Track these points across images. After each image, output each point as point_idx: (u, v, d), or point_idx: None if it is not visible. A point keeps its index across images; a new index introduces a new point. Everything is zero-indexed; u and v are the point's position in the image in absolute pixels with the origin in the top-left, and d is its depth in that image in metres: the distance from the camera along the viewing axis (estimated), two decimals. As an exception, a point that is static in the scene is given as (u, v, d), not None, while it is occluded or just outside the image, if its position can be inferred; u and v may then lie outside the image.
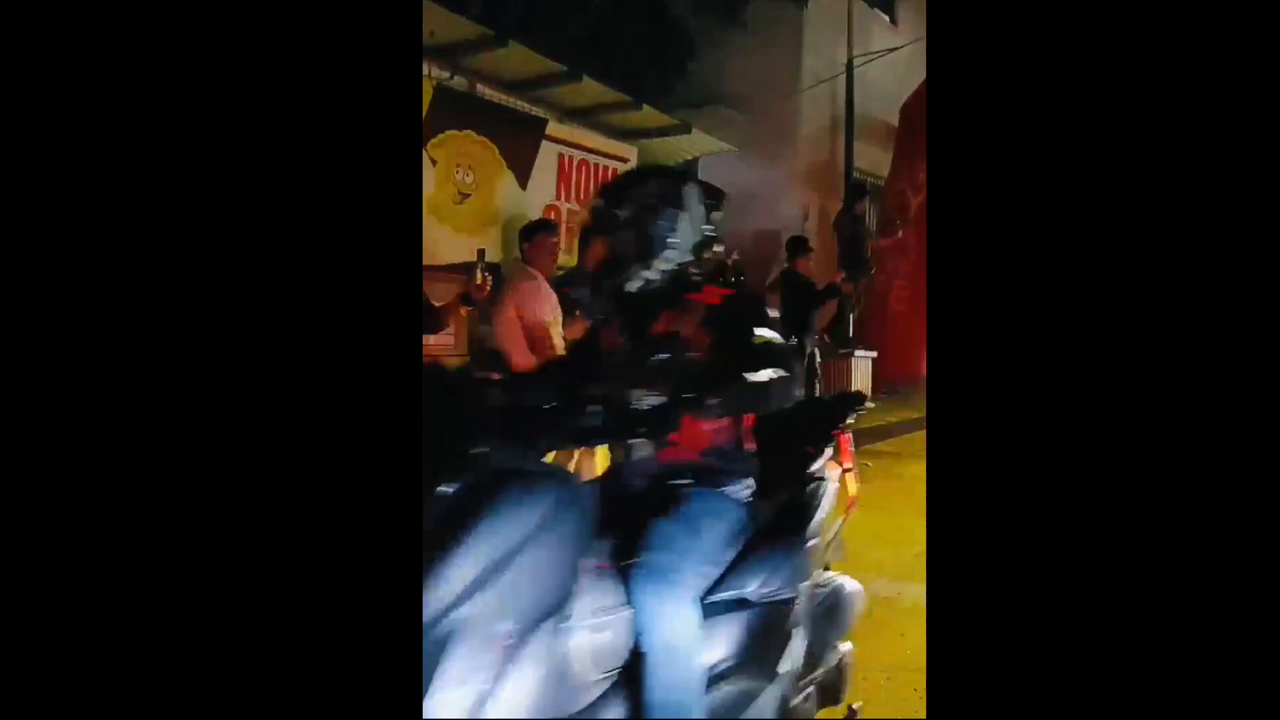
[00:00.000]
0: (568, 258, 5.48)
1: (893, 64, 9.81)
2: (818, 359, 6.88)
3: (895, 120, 9.70)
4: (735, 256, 6.90)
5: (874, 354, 8.03)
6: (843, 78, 9.43)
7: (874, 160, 10.14)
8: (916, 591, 3.59)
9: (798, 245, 7.06)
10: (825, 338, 7.43)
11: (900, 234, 8.90)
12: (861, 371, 7.83)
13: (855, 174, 9.58)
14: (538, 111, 6.21)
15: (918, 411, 7.46)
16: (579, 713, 1.51)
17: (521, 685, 1.37)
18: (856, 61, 9.35)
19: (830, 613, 2.12)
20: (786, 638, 1.85)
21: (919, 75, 9.41)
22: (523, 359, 3.99)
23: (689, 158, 7.72)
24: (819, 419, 2.17)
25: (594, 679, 1.54)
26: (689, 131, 7.06)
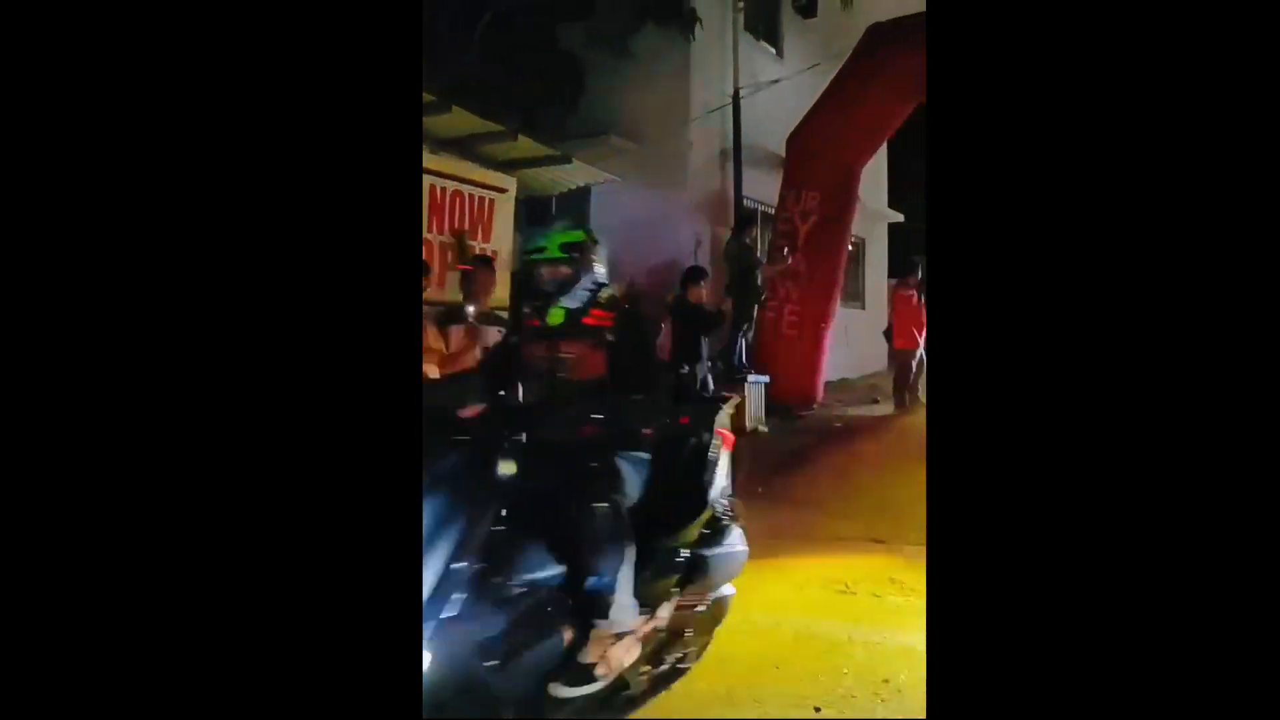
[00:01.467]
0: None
1: (779, 95, 10.06)
2: (710, 385, 6.93)
3: (783, 150, 9.94)
4: (624, 286, 6.90)
5: (766, 379, 8.14)
6: (731, 108, 9.60)
7: (763, 189, 10.36)
8: (800, 623, 3.61)
9: (690, 274, 7.12)
10: (717, 364, 7.50)
11: (789, 260, 9.07)
12: (754, 397, 7.92)
13: (745, 202, 9.76)
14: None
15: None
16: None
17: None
18: (743, 92, 9.55)
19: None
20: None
21: (805, 105, 9.68)
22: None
23: (570, 188, 7.71)
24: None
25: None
26: (569, 162, 7.05)
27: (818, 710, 2.81)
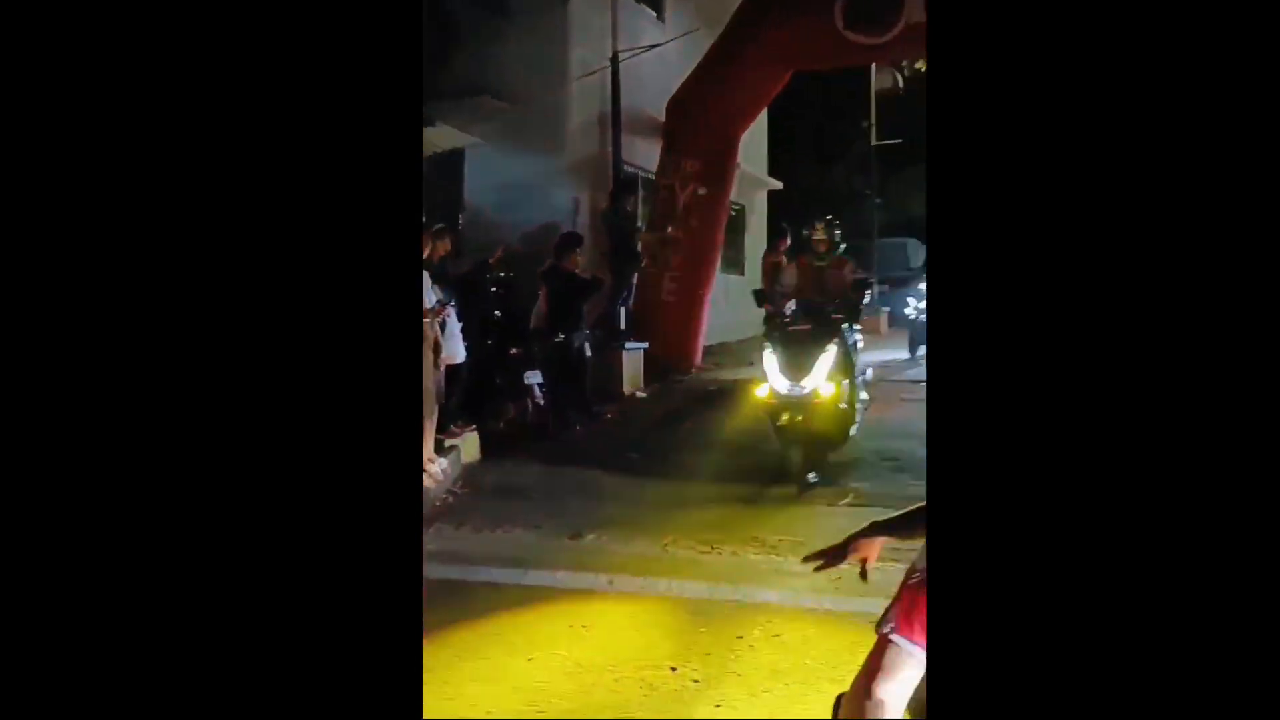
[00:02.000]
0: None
1: (661, 59, 10.02)
2: (587, 352, 6.91)
3: (663, 115, 9.93)
4: (500, 252, 6.78)
5: (644, 346, 8.18)
6: (610, 71, 9.50)
7: (643, 155, 10.33)
8: (664, 584, 3.66)
9: (565, 240, 7.04)
10: (595, 331, 7.48)
11: (669, 228, 9.11)
12: (632, 363, 7.95)
13: (624, 168, 9.71)
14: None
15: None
16: None
17: None
18: (623, 55, 9.45)
19: None
20: None
21: (686, 70, 9.67)
22: None
23: (435, 151, 7.49)
24: None
25: None
26: (433, 124, 6.85)
27: (673, 670, 2.86)
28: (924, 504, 1.77)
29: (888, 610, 1.41)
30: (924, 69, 19.97)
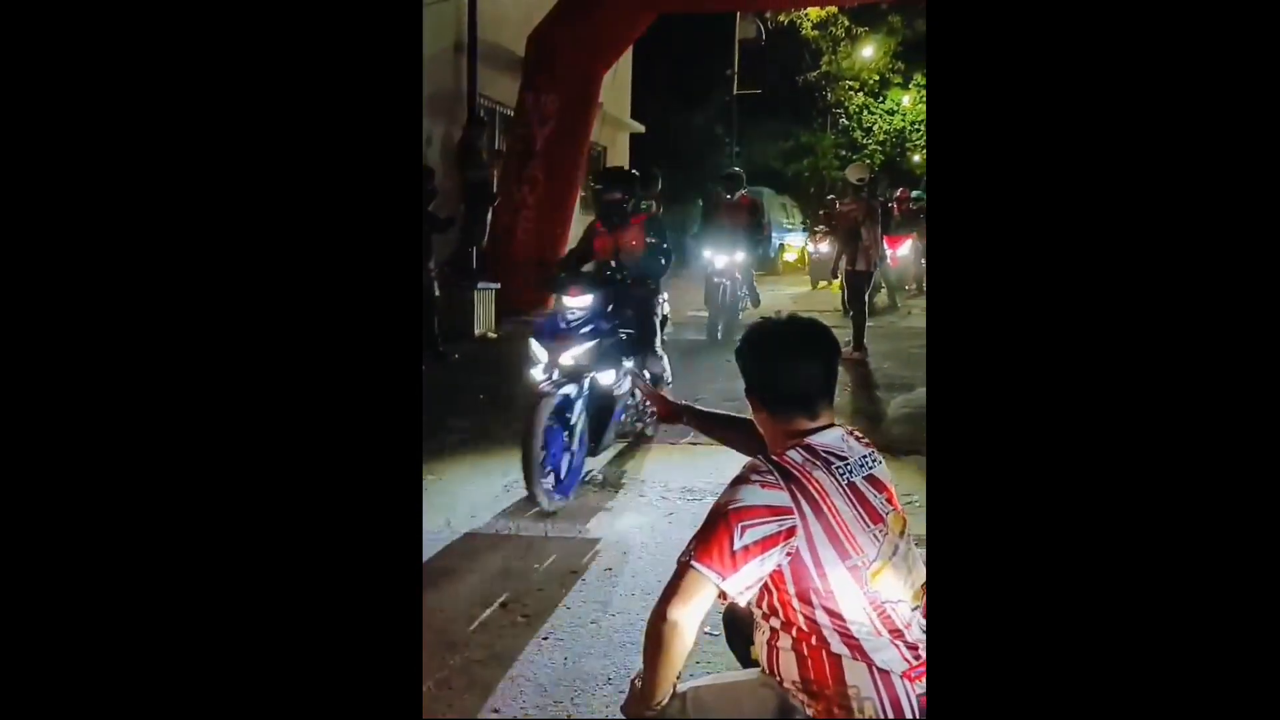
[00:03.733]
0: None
1: (522, -9, 9.72)
2: (435, 292, 6.75)
3: (523, 50, 9.67)
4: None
5: (496, 285, 8.07)
6: (466, 1, 9.14)
7: (501, 90, 10.06)
8: (501, 523, 3.68)
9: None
10: (444, 270, 7.31)
11: (519, 165, 8.95)
12: (484, 303, 7.84)
13: (481, 102, 9.42)
14: None
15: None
16: None
17: None
18: (481, -16, 9.11)
19: None
20: None
21: (548, 4, 9.42)
22: None
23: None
24: None
25: None
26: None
27: (504, 605, 2.90)
28: (740, 416, 1.85)
29: (691, 540, 1.49)
30: (786, 22, 20.34)
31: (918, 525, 3.71)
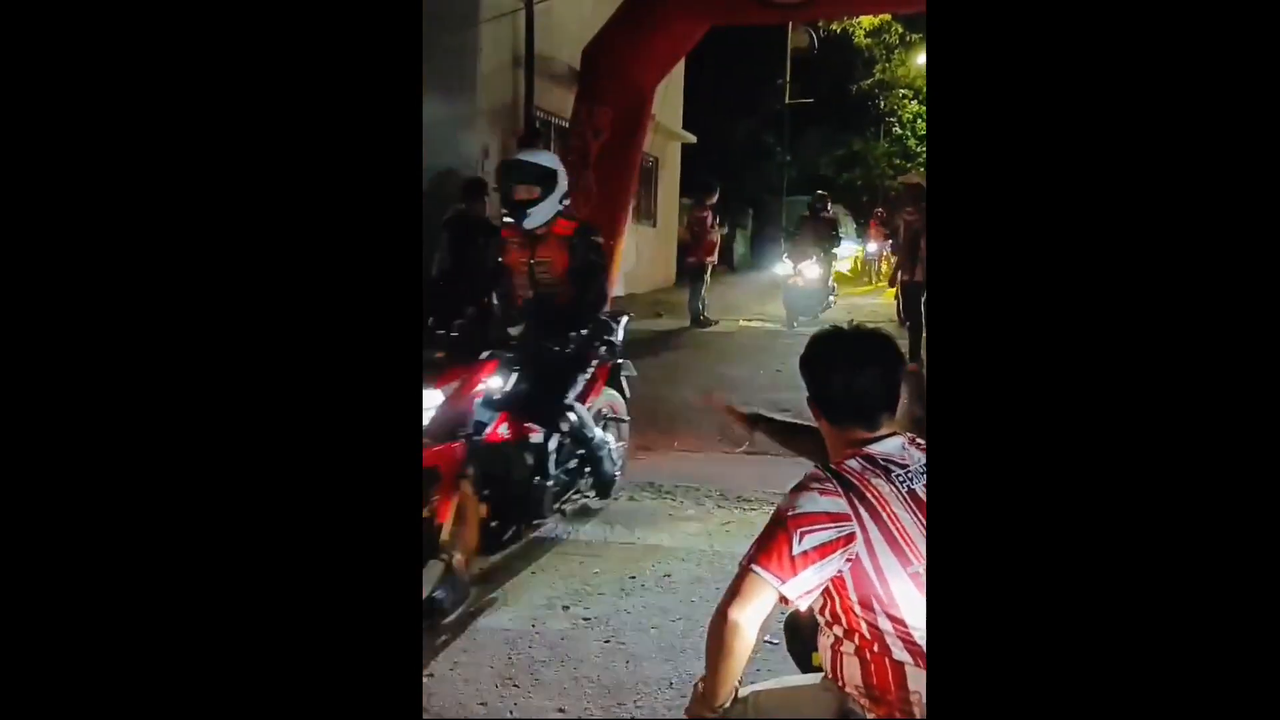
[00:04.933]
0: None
1: (577, 4, 9.85)
2: (494, 300, 6.87)
3: (578, 62, 9.80)
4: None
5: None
6: (524, 14, 9.31)
7: (557, 102, 10.20)
8: (560, 529, 3.76)
9: (472, 187, 6.94)
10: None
11: (582, 177, 9.05)
12: (540, 313, 7.93)
13: (537, 115, 9.59)
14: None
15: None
16: None
17: None
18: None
19: None
20: None
21: (603, 17, 9.54)
22: None
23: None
24: None
25: None
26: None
27: (565, 608, 2.98)
28: (809, 424, 1.88)
29: (752, 545, 1.53)
30: (839, 30, 20.22)
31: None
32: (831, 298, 10.49)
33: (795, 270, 9.80)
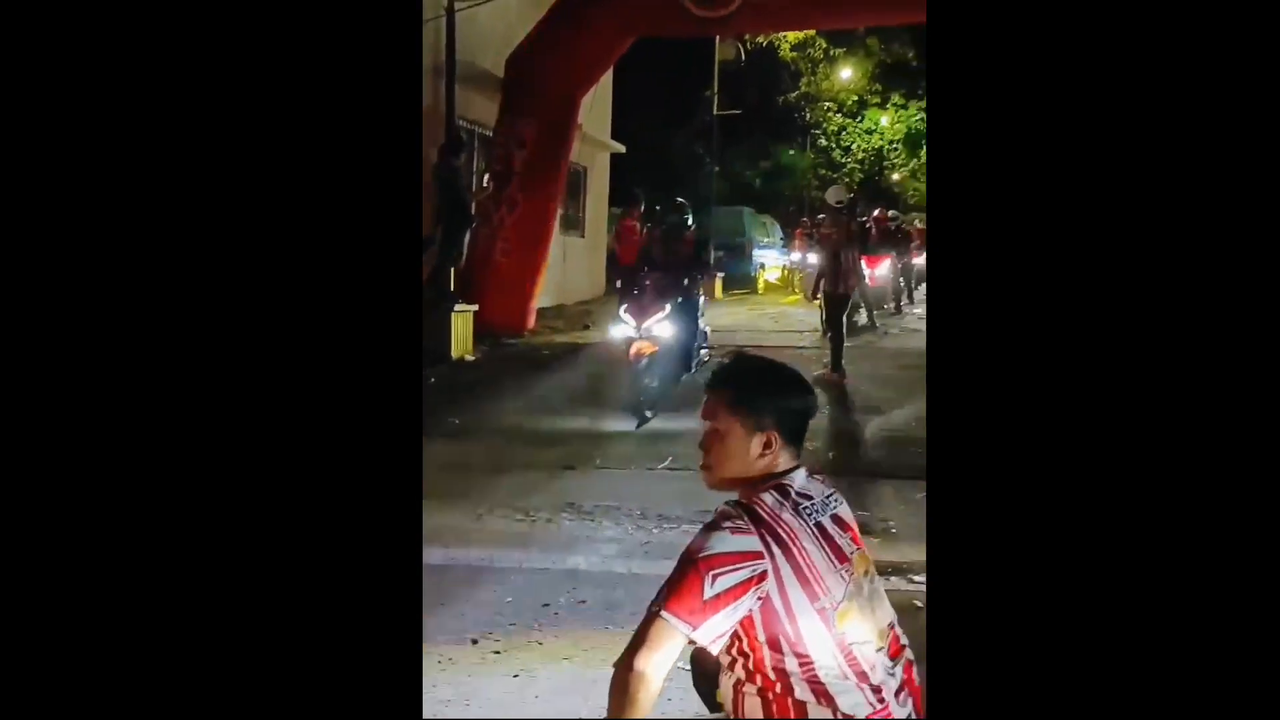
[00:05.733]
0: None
1: (502, 13, 9.73)
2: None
3: (502, 71, 9.68)
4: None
5: (474, 308, 8.03)
6: (445, 21, 9.14)
7: (480, 111, 10.06)
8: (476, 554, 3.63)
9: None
10: (424, 290, 7.26)
11: (498, 186, 8.93)
12: (461, 325, 7.79)
13: (459, 124, 9.42)
14: None
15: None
16: None
17: None
18: (460, 6, 9.11)
19: None
20: None
21: (527, 26, 9.44)
22: None
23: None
24: None
25: None
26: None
27: (474, 642, 2.86)
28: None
29: (661, 588, 1.46)
30: (765, 44, 20.53)
31: (894, 553, 3.70)
32: (704, 350, 6.85)
33: (638, 332, 5.94)
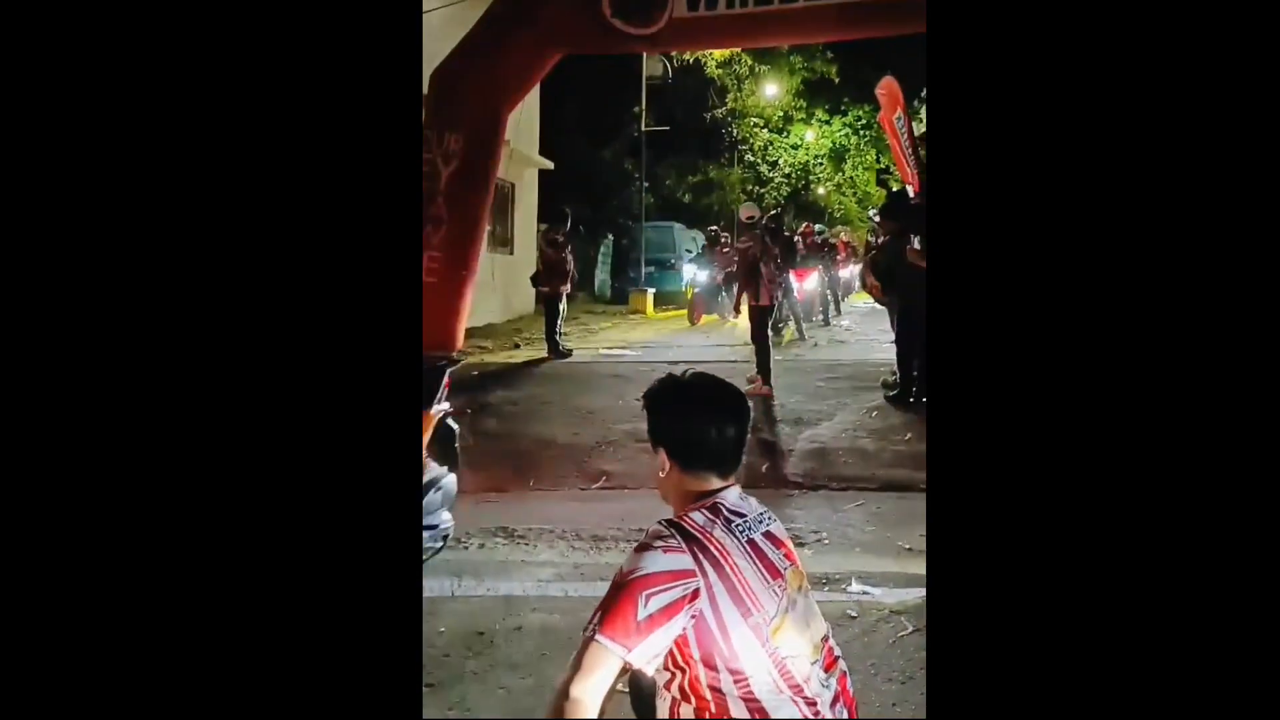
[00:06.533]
0: None
1: (426, 28, 9.63)
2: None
3: (426, 87, 9.57)
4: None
5: (402, 327, 7.88)
6: (368, 37, 9.03)
7: (406, 126, 9.95)
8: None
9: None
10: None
11: (432, 204, 8.80)
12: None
13: (385, 139, 9.29)
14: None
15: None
16: None
17: None
18: (383, 21, 9.00)
19: None
20: None
21: (451, 41, 9.35)
22: None
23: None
24: None
25: None
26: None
27: (405, 673, 2.77)
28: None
29: (595, 612, 1.44)
30: (691, 60, 20.79)
31: (826, 564, 3.74)
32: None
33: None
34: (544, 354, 9.01)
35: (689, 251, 17.22)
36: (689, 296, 13.04)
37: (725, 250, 11.78)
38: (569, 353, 9.06)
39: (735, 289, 8.74)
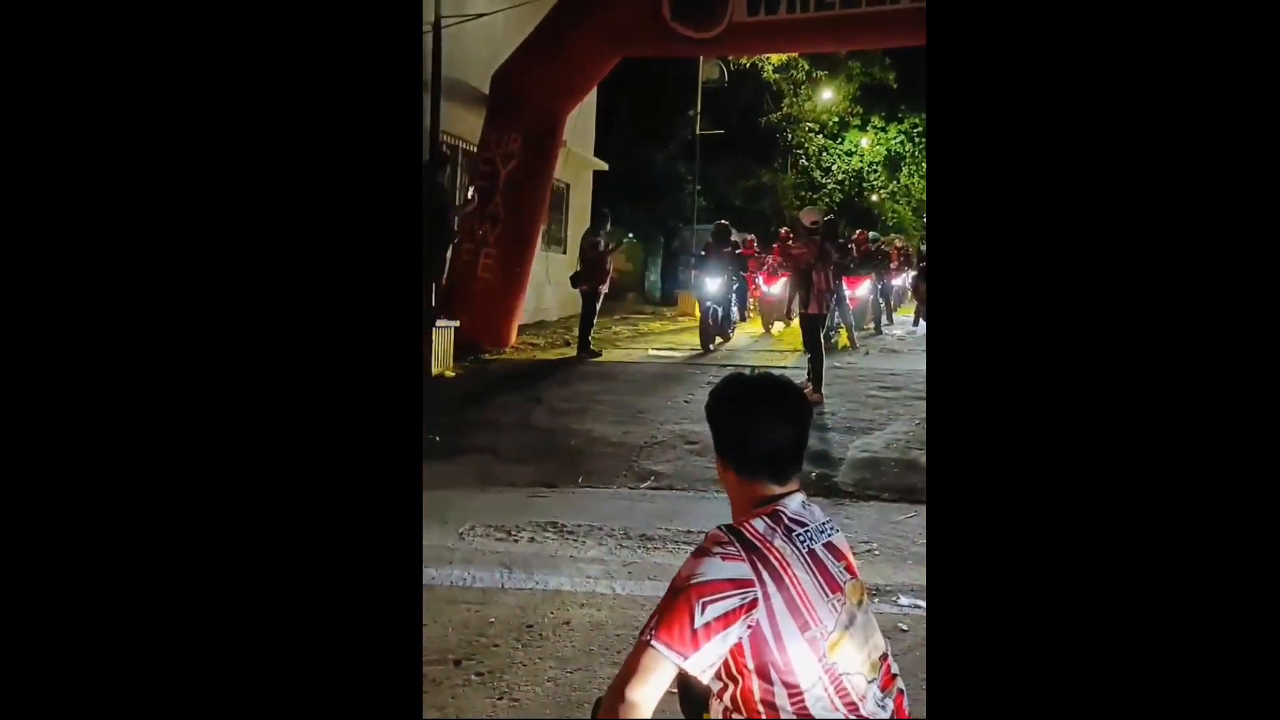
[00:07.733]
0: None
1: (486, 30, 9.76)
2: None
3: (487, 88, 9.69)
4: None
5: (455, 324, 7.99)
6: (431, 37, 9.15)
7: (464, 127, 10.06)
8: (457, 573, 3.60)
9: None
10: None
11: (482, 202, 8.91)
12: (442, 341, 7.75)
13: (444, 139, 9.41)
14: None
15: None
16: None
17: None
18: (447, 22, 9.13)
19: None
20: None
21: (513, 43, 9.46)
22: None
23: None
24: None
25: None
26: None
27: (457, 663, 2.83)
28: None
29: (652, 616, 1.45)
30: (748, 65, 20.73)
31: (877, 575, 3.69)
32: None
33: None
34: (593, 351, 9.06)
35: (701, 254, 16.95)
36: (695, 313, 11.49)
37: (738, 251, 11.58)
38: (598, 353, 9.08)
39: (786, 294, 8.70)
